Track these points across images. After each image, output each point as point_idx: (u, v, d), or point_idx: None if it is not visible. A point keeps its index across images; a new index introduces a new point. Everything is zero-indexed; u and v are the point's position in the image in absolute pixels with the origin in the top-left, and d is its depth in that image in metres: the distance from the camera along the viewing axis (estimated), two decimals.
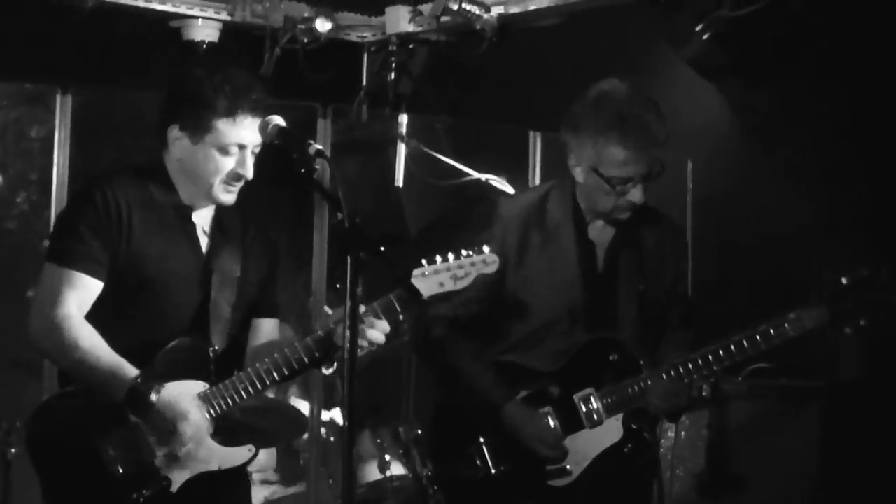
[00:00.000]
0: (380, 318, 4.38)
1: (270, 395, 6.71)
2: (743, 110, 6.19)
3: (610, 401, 4.86)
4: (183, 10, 6.55)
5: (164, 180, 4.53)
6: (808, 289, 4.76)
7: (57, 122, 6.79)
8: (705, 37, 5.75)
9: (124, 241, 4.42)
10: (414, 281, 4.42)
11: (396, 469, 7.00)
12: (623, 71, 6.06)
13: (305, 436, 7.38)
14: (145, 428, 4.35)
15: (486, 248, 4.47)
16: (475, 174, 7.53)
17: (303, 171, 4.15)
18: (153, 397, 4.28)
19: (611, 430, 4.88)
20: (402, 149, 7.43)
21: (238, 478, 4.66)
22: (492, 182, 7.49)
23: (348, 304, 3.80)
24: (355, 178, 8.72)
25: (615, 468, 4.88)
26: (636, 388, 4.84)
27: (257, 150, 4.49)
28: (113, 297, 4.43)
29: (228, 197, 4.52)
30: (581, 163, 4.86)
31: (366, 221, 3.90)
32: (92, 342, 4.32)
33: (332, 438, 7.46)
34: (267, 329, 4.74)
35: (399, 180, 7.47)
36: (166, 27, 6.62)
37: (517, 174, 7.53)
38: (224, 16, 6.66)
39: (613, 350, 4.89)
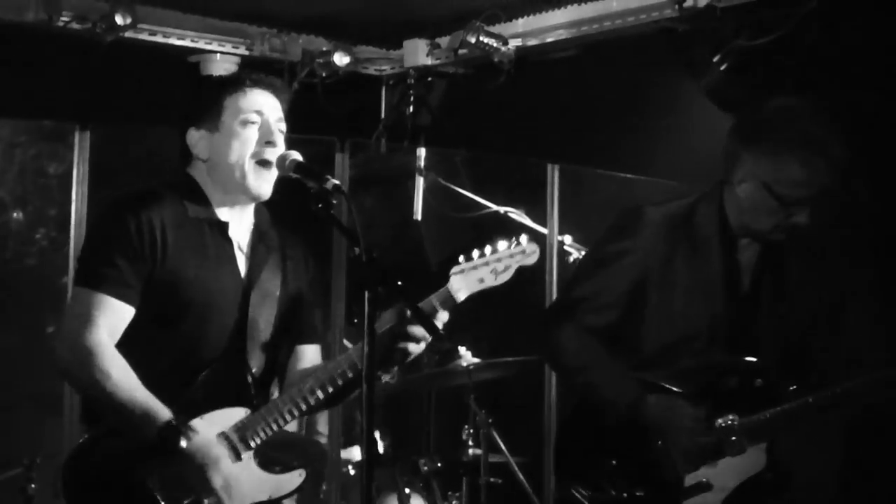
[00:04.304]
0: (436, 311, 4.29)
1: (292, 427, 6.69)
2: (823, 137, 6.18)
3: (755, 429, 4.75)
4: (201, 45, 6.57)
5: (196, 193, 4.44)
6: None
7: (75, 158, 6.80)
8: (723, 67, 5.74)
9: (158, 264, 4.30)
10: (453, 278, 4.31)
11: (417, 503, 6.98)
12: (641, 102, 6.09)
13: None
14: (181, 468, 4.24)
15: (524, 238, 4.33)
16: (493, 207, 7.53)
17: (320, 206, 4.14)
18: (183, 443, 4.17)
19: (754, 460, 4.75)
20: (420, 182, 7.42)
21: None
22: (510, 214, 7.49)
23: (365, 338, 3.78)
24: (374, 211, 8.73)
25: (757, 499, 4.76)
26: (784, 415, 4.72)
27: (282, 126, 4.43)
28: (149, 321, 4.31)
29: (262, 184, 4.40)
30: (751, 177, 4.75)
31: (385, 255, 3.89)
32: (125, 375, 4.20)
33: (352, 472, 7.43)
34: (310, 355, 4.65)
35: (418, 214, 7.47)
36: (185, 62, 6.64)
37: (535, 206, 7.52)
38: (242, 50, 6.68)
39: (757, 375, 4.78)
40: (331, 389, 4.34)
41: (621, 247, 4.77)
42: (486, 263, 4.31)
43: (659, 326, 4.84)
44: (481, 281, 4.31)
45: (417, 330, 4.29)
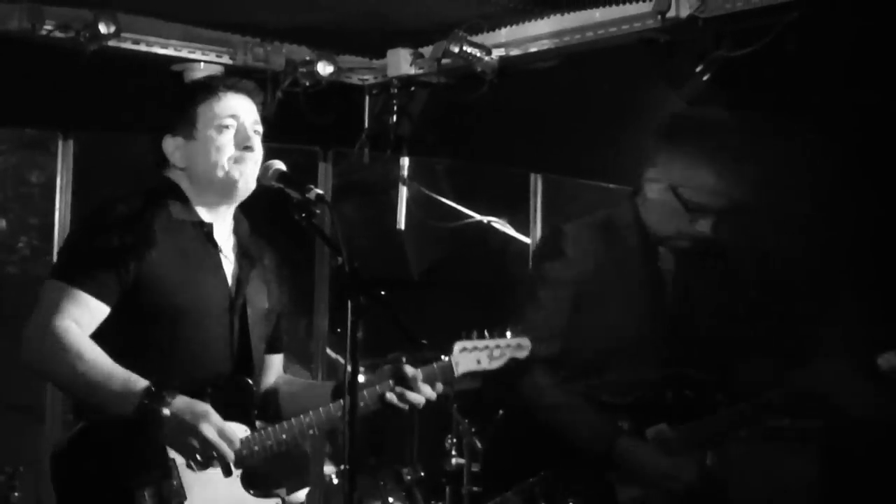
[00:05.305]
0: (436, 381, 4.43)
1: None
2: (741, 151, 6.20)
3: (684, 438, 4.80)
4: (184, 54, 6.58)
5: (178, 196, 4.40)
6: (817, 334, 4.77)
7: (58, 166, 6.80)
8: (704, 77, 5.75)
9: (146, 267, 4.22)
10: (457, 353, 4.51)
11: None
12: (623, 112, 6.09)
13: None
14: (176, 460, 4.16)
15: (514, 334, 4.52)
16: (476, 216, 7.54)
17: (303, 215, 4.14)
18: (165, 411, 4.06)
19: (685, 467, 4.82)
20: (403, 191, 7.43)
21: None
22: (493, 224, 7.50)
23: (349, 347, 3.77)
24: (357, 221, 8.73)
25: None
26: (714, 425, 4.79)
27: (258, 128, 4.42)
28: (138, 324, 4.24)
29: (243, 180, 4.36)
30: (662, 178, 4.82)
31: (367, 265, 3.89)
32: (97, 354, 4.10)
33: (335, 481, 7.43)
34: (277, 365, 4.68)
35: (401, 223, 7.47)
36: (168, 71, 6.64)
37: (518, 216, 7.53)
38: (225, 59, 6.69)
39: (688, 386, 4.83)
40: (328, 430, 4.42)
41: (552, 271, 4.81)
42: (486, 347, 4.54)
43: (591, 336, 4.91)
44: (478, 362, 4.53)
45: (413, 396, 4.39)
